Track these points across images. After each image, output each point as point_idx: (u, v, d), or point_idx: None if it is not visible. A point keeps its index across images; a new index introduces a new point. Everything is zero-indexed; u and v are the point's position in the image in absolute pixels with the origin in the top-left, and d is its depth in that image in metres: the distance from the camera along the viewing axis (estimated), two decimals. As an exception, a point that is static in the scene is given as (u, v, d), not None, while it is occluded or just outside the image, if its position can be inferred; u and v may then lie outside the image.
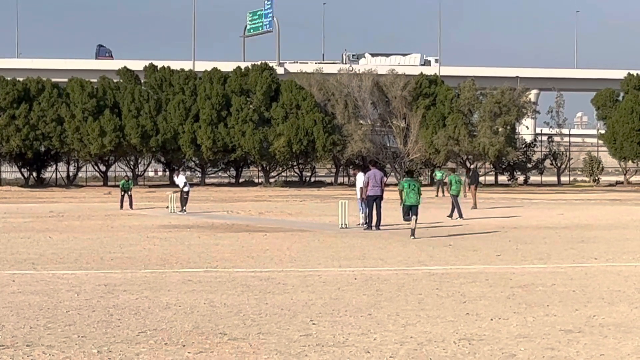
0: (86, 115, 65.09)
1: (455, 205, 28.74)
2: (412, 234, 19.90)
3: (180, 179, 33.85)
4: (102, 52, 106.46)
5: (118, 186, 41.57)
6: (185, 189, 33.16)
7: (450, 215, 28.26)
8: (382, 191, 23.09)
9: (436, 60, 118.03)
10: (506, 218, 28.50)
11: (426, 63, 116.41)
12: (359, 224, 24.01)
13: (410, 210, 20.29)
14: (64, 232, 22.51)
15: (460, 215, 28.19)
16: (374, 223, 22.67)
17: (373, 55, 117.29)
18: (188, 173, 73.44)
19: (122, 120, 65.78)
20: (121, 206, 35.39)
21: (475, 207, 33.97)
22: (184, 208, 32.47)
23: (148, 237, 20.83)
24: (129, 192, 35.89)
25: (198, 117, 66.49)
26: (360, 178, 25.30)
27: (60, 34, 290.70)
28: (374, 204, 22.70)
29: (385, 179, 23.90)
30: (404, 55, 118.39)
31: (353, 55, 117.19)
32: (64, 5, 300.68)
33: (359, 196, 24.77)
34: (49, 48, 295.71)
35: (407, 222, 20.60)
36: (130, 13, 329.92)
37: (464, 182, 35.73)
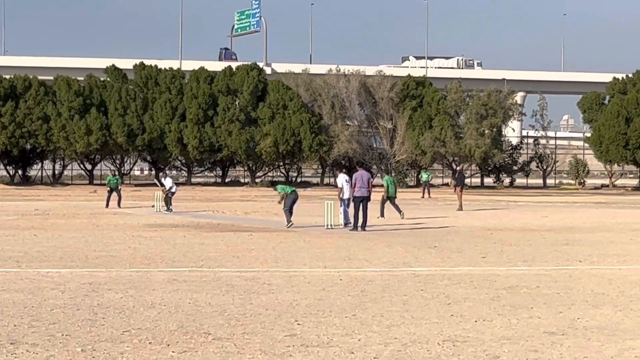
0: (72, 114, 64.90)
1: (381, 205, 28.51)
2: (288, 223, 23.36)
3: (167, 182, 33.84)
4: (227, 55, 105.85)
5: (104, 184, 41.36)
6: (173, 189, 33.28)
7: (401, 215, 27.79)
8: (370, 192, 23.14)
9: (478, 64, 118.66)
10: (491, 220, 28.57)
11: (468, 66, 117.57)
12: (339, 224, 24.02)
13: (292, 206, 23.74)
14: (49, 230, 22.43)
15: (382, 215, 27.93)
16: (359, 224, 22.69)
17: (417, 58, 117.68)
18: (174, 172, 73.45)
19: (109, 119, 65.62)
20: (107, 204, 35.21)
21: (460, 209, 34.06)
22: (170, 207, 32.45)
23: (133, 235, 20.78)
24: (118, 188, 35.68)
25: (184, 117, 66.39)
26: (340, 179, 25.22)
27: (47, 32, 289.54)
28: (361, 205, 22.73)
29: (372, 180, 23.95)
30: (447, 58, 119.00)
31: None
32: (51, 3, 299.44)
33: (340, 196, 24.73)
34: (35, 45, 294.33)
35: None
36: (118, 11, 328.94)
37: (451, 184, 35.74)
